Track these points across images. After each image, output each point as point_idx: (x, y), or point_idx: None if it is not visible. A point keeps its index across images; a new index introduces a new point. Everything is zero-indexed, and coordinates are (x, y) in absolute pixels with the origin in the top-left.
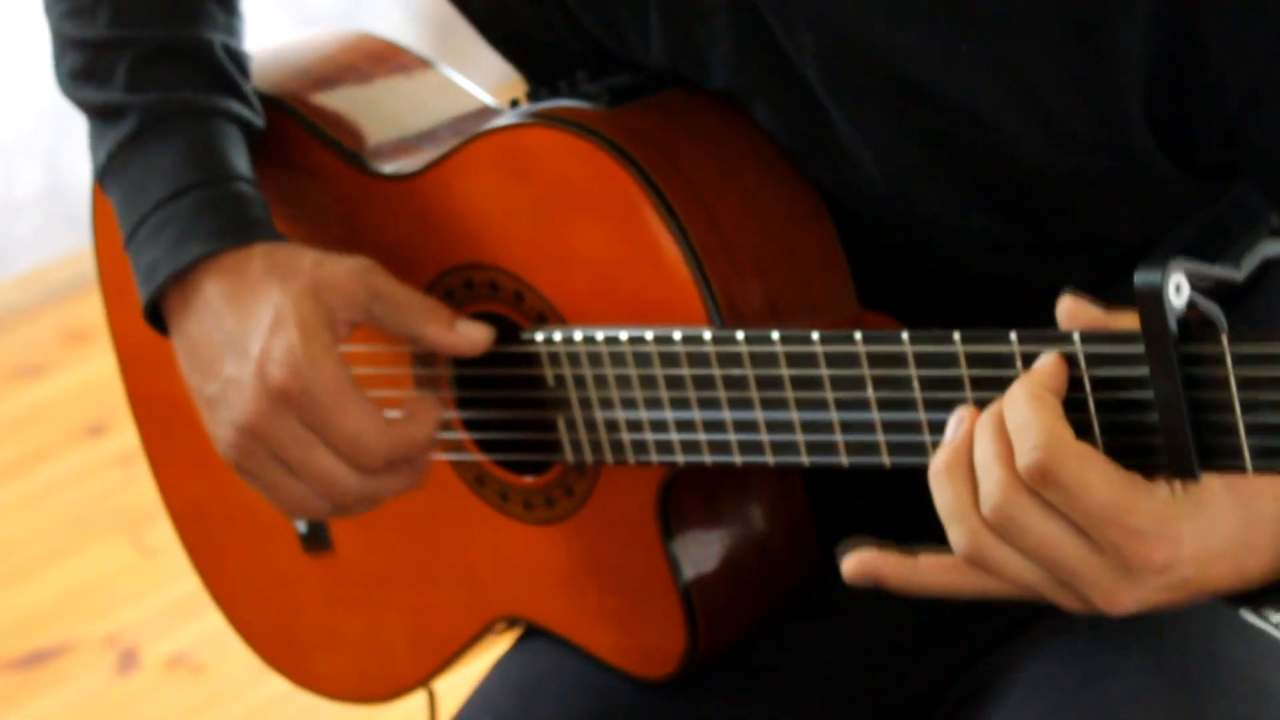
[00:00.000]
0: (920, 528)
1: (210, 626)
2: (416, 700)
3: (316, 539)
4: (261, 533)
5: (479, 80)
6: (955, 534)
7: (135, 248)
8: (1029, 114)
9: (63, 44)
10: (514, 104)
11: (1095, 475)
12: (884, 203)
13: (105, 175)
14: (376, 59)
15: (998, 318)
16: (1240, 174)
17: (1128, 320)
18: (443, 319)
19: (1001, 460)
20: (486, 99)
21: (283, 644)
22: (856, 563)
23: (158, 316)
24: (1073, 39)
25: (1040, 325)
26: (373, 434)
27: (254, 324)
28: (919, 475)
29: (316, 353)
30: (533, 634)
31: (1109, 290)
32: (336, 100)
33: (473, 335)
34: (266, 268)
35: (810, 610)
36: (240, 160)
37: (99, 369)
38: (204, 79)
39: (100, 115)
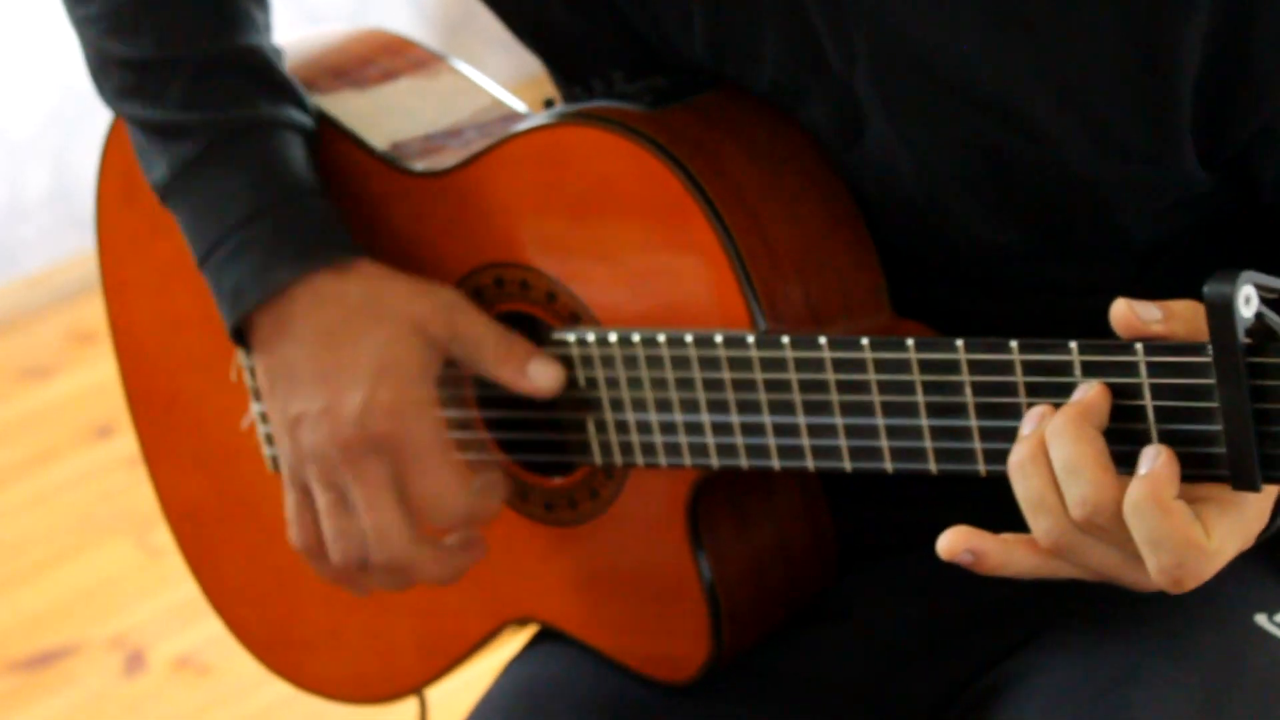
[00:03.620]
0: (935, 540)
1: (217, 627)
2: (413, 706)
3: None
4: (261, 532)
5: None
6: (1044, 527)
7: (213, 269)
8: (1081, 124)
9: (106, 62)
10: (548, 103)
11: (1213, 568)
12: (917, 208)
13: (169, 193)
14: (393, 53)
15: (1024, 319)
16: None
17: (1185, 315)
18: (517, 361)
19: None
20: (506, 96)
21: (281, 644)
22: (957, 538)
23: (242, 337)
24: (1132, 51)
25: (1067, 325)
26: (452, 497)
27: (356, 361)
28: (934, 489)
29: (420, 408)
30: (543, 637)
31: (1134, 288)
32: (358, 96)
33: (546, 378)
34: (364, 302)
35: (823, 615)
36: (309, 172)
37: (106, 370)
38: (260, 89)
39: (157, 132)
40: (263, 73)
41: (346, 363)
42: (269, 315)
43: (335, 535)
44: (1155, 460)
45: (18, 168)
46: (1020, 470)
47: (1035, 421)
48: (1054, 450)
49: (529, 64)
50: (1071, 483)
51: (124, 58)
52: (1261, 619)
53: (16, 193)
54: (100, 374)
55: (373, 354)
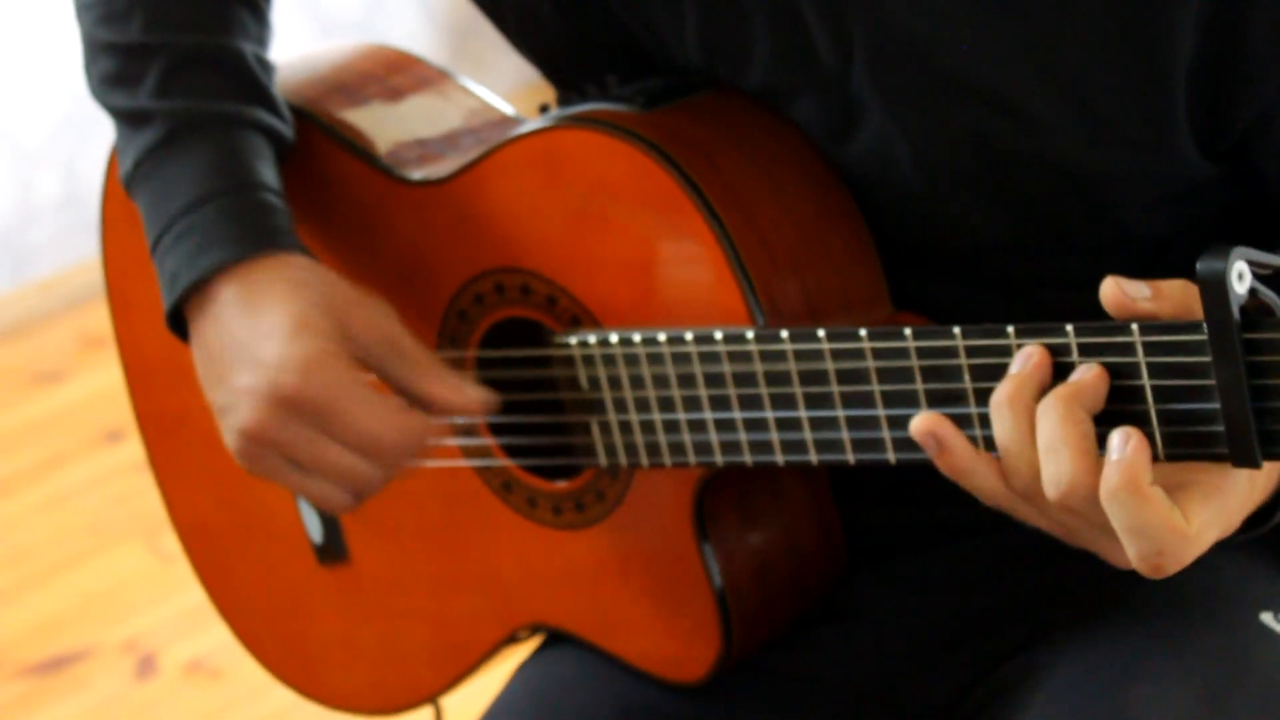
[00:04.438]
0: (941, 540)
1: (229, 631)
2: (424, 713)
3: (332, 550)
4: (273, 545)
5: (497, 85)
6: (1012, 468)
7: (160, 255)
8: (1077, 113)
9: (95, 49)
10: (543, 109)
11: (1193, 553)
12: (916, 202)
13: (132, 182)
14: (395, 68)
15: (1024, 315)
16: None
17: (1174, 294)
18: (448, 379)
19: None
20: (506, 108)
21: (294, 657)
22: (928, 422)
23: (180, 324)
24: (1124, 38)
25: (1066, 320)
26: (391, 431)
27: (266, 330)
28: (940, 488)
29: (329, 359)
30: (554, 640)
31: None
32: (358, 108)
33: (476, 396)
34: (288, 279)
35: (832, 616)
36: (266, 170)
37: (117, 374)
38: (234, 88)
39: (128, 121)
40: (240, 74)
41: (257, 334)
42: (198, 300)
43: (318, 495)
44: (1126, 446)
45: (29, 173)
46: (997, 409)
47: (1023, 361)
48: (1040, 426)
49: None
50: (1050, 461)
51: (109, 42)
52: (1267, 618)
53: (28, 198)
54: (111, 378)
55: (285, 320)
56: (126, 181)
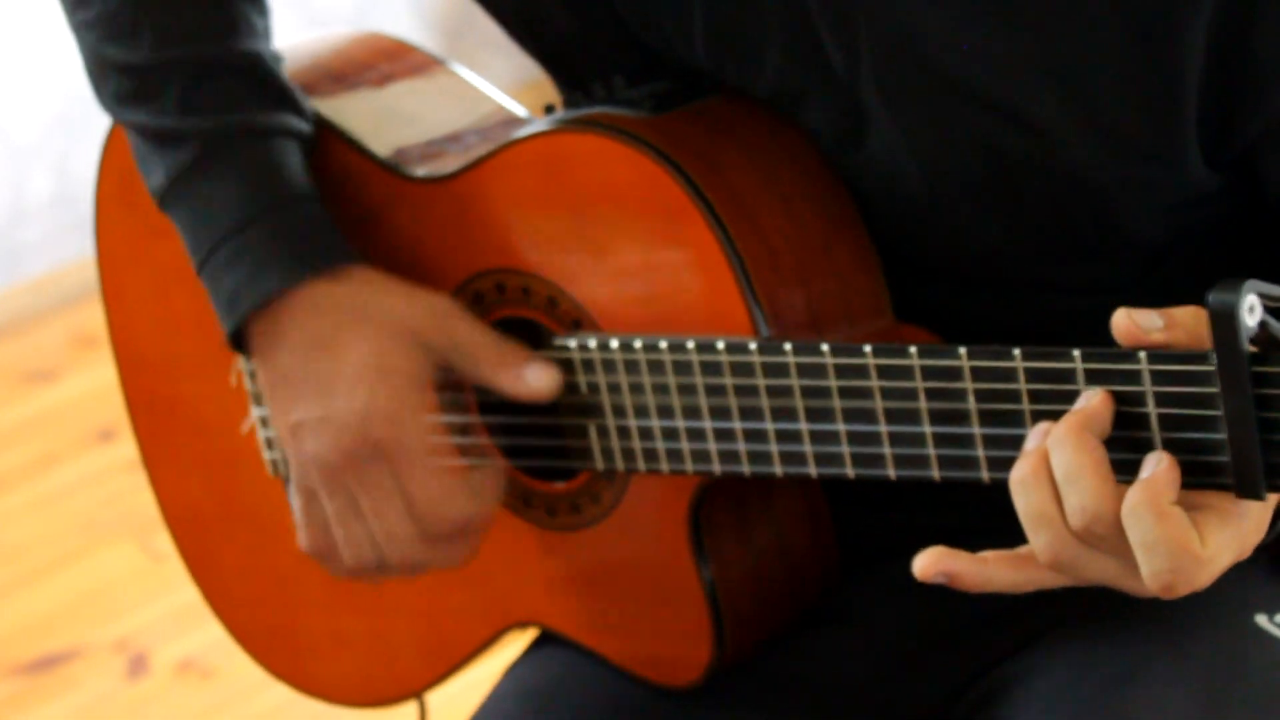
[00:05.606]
0: (935, 543)
1: (220, 630)
2: (409, 710)
3: None
4: (263, 535)
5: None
6: (1040, 540)
7: (210, 275)
8: (1086, 122)
9: (104, 68)
10: (549, 109)
11: (1207, 576)
12: (921, 210)
13: (165, 198)
14: (393, 58)
15: (1027, 321)
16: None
17: (1186, 322)
18: (513, 366)
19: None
20: (506, 100)
21: (282, 647)
22: (930, 560)
23: (239, 342)
24: (1135, 47)
25: (1071, 326)
26: (451, 503)
27: (352, 367)
28: (935, 493)
29: (417, 413)
30: (545, 640)
31: (1139, 289)
32: (358, 100)
33: (542, 381)
34: (357, 307)
35: (825, 618)
36: (303, 178)
37: (109, 373)
38: (258, 95)
39: (153, 138)
40: (260, 78)
41: (342, 369)
42: (263, 322)
43: (347, 541)
44: (1156, 466)
45: (21, 171)
46: (1021, 485)
47: (1039, 438)
48: (1054, 458)
49: (529, 68)
50: (1070, 491)
51: (122, 62)
52: (1262, 619)
53: (20, 196)
54: (103, 377)
55: (369, 359)
56: (160, 199)
